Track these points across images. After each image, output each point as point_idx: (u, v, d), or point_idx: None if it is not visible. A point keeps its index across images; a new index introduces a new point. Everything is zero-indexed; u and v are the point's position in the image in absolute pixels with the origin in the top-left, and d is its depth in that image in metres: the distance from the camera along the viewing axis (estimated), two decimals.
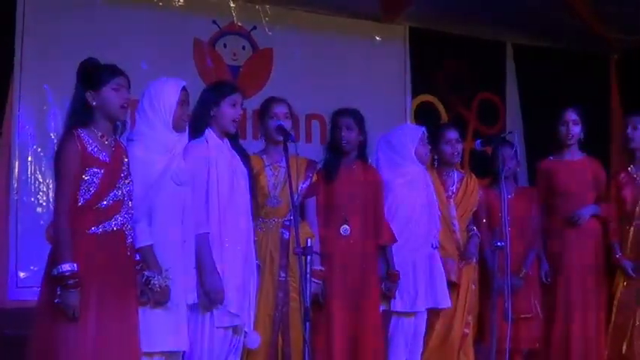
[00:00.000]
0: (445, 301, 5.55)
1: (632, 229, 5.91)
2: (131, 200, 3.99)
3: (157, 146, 4.22)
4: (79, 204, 3.83)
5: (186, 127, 4.38)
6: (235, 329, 4.57)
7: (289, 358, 4.90)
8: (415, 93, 8.05)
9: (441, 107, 8.20)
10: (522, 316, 5.79)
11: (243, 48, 7.42)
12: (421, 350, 5.64)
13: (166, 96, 4.25)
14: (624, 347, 5.86)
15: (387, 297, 5.45)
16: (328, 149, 5.47)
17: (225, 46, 7.34)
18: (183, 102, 4.31)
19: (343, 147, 5.36)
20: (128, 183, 3.99)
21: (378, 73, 7.84)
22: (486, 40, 8.50)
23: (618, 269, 5.92)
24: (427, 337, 5.66)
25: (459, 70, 8.35)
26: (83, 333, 3.76)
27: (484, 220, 5.94)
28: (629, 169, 6.04)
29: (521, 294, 5.82)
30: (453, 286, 5.67)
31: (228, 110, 4.63)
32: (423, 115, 7.87)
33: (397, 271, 5.39)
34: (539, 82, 8.54)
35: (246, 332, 4.62)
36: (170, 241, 4.19)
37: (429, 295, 5.52)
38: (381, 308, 5.47)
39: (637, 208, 5.90)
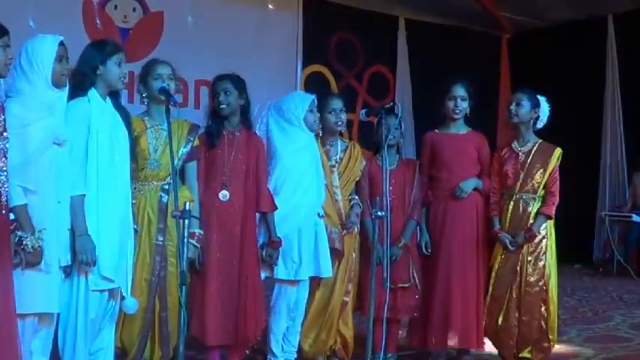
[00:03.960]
0: (327, 270, 5.60)
1: (511, 203, 5.98)
2: (6, 158, 3.91)
3: (36, 104, 4.15)
4: None
5: (67, 83, 4.32)
6: (111, 293, 4.53)
7: (166, 323, 4.89)
8: (306, 63, 8.06)
9: (331, 78, 8.24)
10: (400, 285, 5.88)
11: (134, 10, 7.29)
12: (302, 318, 5.70)
13: (44, 52, 4.20)
14: (500, 319, 5.94)
15: (270, 264, 5.46)
16: (210, 115, 5.42)
17: (115, 7, 7.22)
18: (61, 57, 4.27)
19: (221, 111, 5.33)
20: (4, 140, 3.90)
21: (270, 41, 7.82)
22: (379, 13, 8.53)
23: (497, 242, 6.02)
24: (307, 304, 5.71)
25: (351, 42, 8.38)
26: None
27: (365, 190, 5.97)
28: (512, 144, 6.11)
29: (400, 264, 5.89)
30: (336, 254, 5.72)
31: (115, 69, 4.56)
32: (314, 85, 7.90)
33: (279, 238, 5.41)
34: (431, 57, 8.62)
35: (123, 297, 4.58)
36: (44, 201, 4.13)
37: (312, 263, 5.56)
38: (265, 275, 5.50)
39: (518, 183, 5.97)
